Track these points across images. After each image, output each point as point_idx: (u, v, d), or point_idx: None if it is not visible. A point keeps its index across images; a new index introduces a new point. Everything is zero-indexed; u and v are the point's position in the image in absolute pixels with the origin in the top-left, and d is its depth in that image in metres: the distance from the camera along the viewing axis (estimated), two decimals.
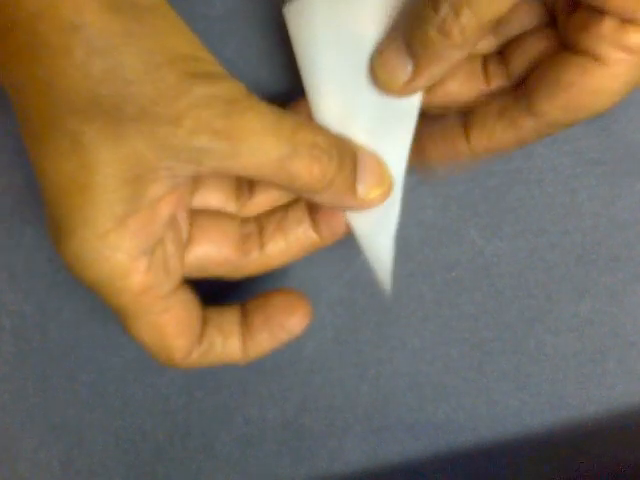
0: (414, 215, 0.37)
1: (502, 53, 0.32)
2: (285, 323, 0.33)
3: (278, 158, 0.27)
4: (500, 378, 0.38)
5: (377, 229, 0.33)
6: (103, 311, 0.38)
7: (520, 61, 0.31)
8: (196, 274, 0.32)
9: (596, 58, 0.28)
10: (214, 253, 0.32)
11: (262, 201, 0.33)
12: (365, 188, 0.30)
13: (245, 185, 0.33)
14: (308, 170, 0.28)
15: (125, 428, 0.38)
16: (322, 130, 0.30)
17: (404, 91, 0.30)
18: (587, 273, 0.38)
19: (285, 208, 0.33)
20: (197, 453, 0.38)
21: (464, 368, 0.38)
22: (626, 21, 0.27)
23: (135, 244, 0.27)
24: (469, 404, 0.38)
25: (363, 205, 0.31)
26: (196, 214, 0.32)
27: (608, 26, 0.27)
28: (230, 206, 0.33)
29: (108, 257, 0.27)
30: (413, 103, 0.32)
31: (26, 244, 0.37)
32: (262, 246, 0.32)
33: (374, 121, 0.32)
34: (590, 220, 0.38)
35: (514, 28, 0.32)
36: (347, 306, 0.38)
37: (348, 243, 0.37)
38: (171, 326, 0.30)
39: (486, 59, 0.33)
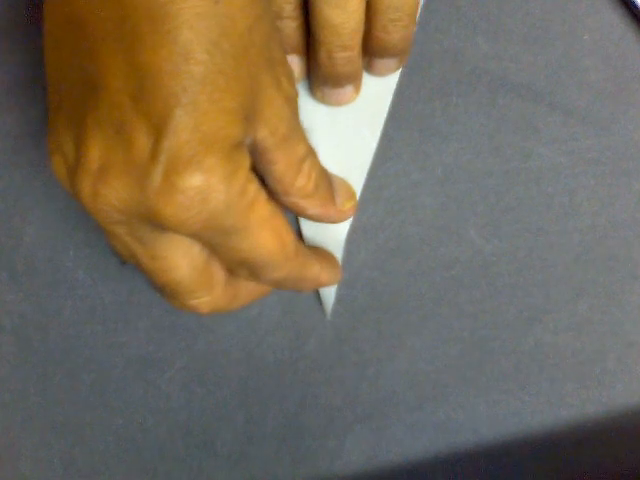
0: (413, 214, 0.38)
1: None
2: None
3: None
4: (500, 378, 0.38)
5: (327, 250, 0.37)
6: (103, 310, 0.38)
7: None
8: None
9: None
10: None
11: None
12: (340, 200, 0.34)
13: None
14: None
15: (126, 426, 0.38)
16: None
17: None
18: (586, 272, 0.38)
19: None
20: (198, 451, 0.38)
21: (464, 367, 0.38)
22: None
23: None
24: (469, 404, 0.38)
25: (342, 215, 0.34)
26: None
27: None
28: None
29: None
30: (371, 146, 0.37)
31: (26, 244, 0.38)
32: None
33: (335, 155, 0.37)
34: (589, 220, 0.38)
35: None
36: (347, 306, 0.38)
37: (347, 243, 0.37)
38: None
39: None
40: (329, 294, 0.37)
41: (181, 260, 0.29)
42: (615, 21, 0.38)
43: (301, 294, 0.38)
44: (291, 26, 0.33)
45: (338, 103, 0.36)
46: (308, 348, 0.38)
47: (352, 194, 0.35)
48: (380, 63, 0.35)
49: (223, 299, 0.31)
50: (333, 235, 0.37)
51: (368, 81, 0.37)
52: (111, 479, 0.38)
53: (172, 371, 0.38)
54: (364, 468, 0.38)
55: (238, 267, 0.30)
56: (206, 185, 0.26)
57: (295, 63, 0.35)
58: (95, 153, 0.26)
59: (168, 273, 0.29)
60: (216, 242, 0.28)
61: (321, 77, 0.35)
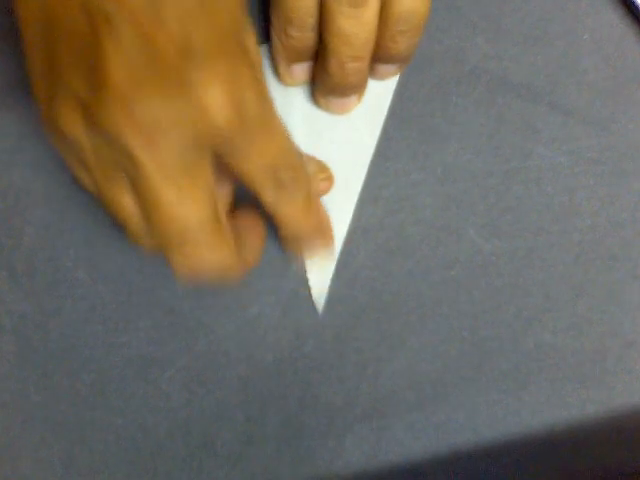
0: (413, 214, 0.38)
1: None
2: None
3: None
4: (500, 378, 0.38)
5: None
6: (103, 310, 0.38)
7: None
8: None
9: None
10: None
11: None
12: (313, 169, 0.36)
13: None
14: None
15: (126, 426, 0.38)
16: None
17: None
18: (586, 272, 0.38)
19: None
20: (198, 451, 0.38)
21: (464, 367, 0.38)
22: None
23: None
24: (469, 404, 0.38)
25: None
26: None
27: None
28: None
29: None
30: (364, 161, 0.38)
31: (26, 244, 0.38)
32: None
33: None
34: (589, 219, 0.38)
35: None
36: (347, 305, 0.38)
37: (347, 243, 0.37)
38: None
39: None
40: (322, 290, 0.37)
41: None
42: (615, 21, 0.38)
43: (301, 294, 0.38)
44: (306, 35, 0.33)
45: (340, 112, 0.37)
46: (308, 348, 0.38)
47: (323, 167, 0.36)
48: (383, 68, 0.35)
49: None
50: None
51: (368, 82, 0.37)
52: (111, 479, 0.38)
53: (172, 371, 0.38)
54: (364, 468, 0.38)
55: None
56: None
57: (304, 70, 0.35)
58: (120, 74, 0.26)
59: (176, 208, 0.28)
60: None
61: (328, 86, 0.35)
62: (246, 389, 0.38)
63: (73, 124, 0.27)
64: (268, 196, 0.30)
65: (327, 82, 0.35)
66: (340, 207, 0.37)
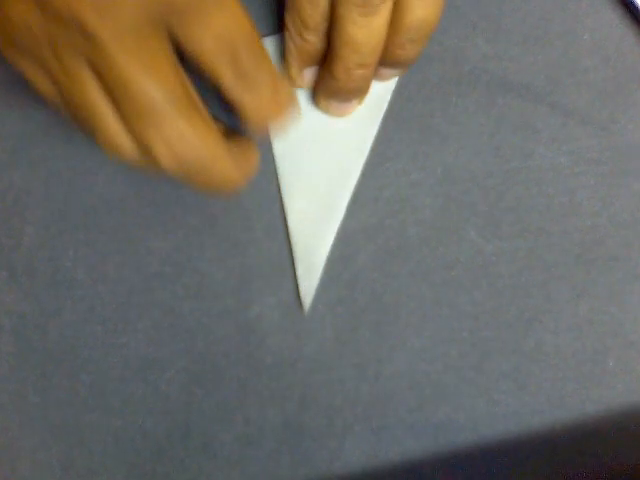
0: (413, 215, 0.38)
1: None
2: None
3: None
4: (500, 378, 0.38)
5: (313, 249, 0.37)
6: (103, 311, 0.38)
7: None
8: None
9: None
10: None
11: None
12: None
13: None
14: None
15: (125, 428, 0.38)
16: None
17: None
18: (586, 273, 0.38)
19: None
20: (197, 453, 0.38)
21: (464, 368, 0.38)
22: None
23: None
24: (469, 404, 0.38)
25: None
26: None
27: None
28: None
29: None
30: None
31: (26, 244, 0.37)
32: None
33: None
34: (589, 220, 0.38)
35: None
36: (347, 306, 0.38)
37: (347, 244, 0.37)
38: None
39: None
40: (309, 289, 0.37)
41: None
42: (615, 21, 0.38)
43: (300, 294, 0.38)
44: (321, 38, 0.33)
45: (340, 115, 0.37)
46: (308, 349, 0.38)
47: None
48: (387, 72, 0.35)
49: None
50: (321, 234, 0.37)
51: None
52: None
53: (171, 372, 0.38)
54: (364, 468, 0.38)
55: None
56: None
57: (314, 73, 0.35)
58: None
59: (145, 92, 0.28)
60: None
61: (331, 90, 0.35)
62: (245, 390, 0.38)
63: (26, 14, 0.27)
64: (228, 78, 0.29)
65: (331, 86, 0.35)
66: (332, 205, 0.37)
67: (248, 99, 0.30)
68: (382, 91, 0.37)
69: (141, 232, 0.38)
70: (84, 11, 0.26)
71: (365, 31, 0.31)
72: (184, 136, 0.29)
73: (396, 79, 0.37)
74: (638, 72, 0.38)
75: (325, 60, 0.34)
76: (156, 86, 0.28)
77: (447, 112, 0.38)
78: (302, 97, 0.37)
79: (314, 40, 0.33)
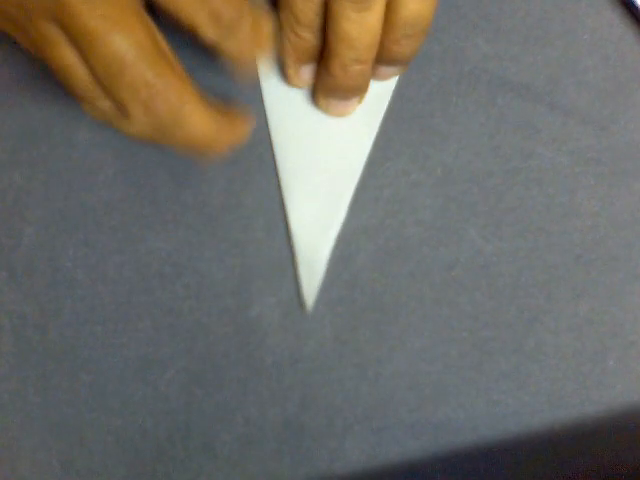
0: (413, 215, 0.38)
1: None
2: None
3: None
4: (500, 378, 0.38)
5: (314, 249, 0.37)
6: (103, 311, 0.38)
7: None
8: None
9: None
10: None
11: None
12: None
13: None
14: None
15: (125, 428, 0.38)
16: None
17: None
18: (586, 273, 0.38)
19: None
20: (197, 452, 0.38)
21: (464, 368, 0.38)
22: None
23: None
24: (469, 404, 0.38)
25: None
26: None
27: None
28: None
29: None
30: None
31: (26, 244, 0.37)
32: None
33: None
34: (589, 220, 0.38)
35: None
36: (347, 306, 0.38)
37: (347, 244, 0.37)
38: None
39: None
40: (311, 289, 0.37)
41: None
42: (615, 21, 0.38)
43: (301, 295, 0.38)
44: (315, 35, 0.33)
45: (340, 115, 0.37)
46: (308, 349, 0.38)
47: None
48: (385, 70, 0.35)
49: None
50: (323, 234, 0.37)
51: None
52: None
53: (171, 372, 0.38)
54: (364, 468, 0.38)
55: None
56: None
57: (311, 71, 0.35)
58: None
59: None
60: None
61: (330, 87, 0.35)
62: (246, 390, 0.38)
63: None
64: (207, 29, 0.30)
65: (329, 84, 0.35)
66: (334, 205, 0.37)
67: (228, 44, 0.30)
68: (382, 91, 0.37)
69: (141, 232, 0.38)
70: None
71: (359, 27, 0.31)
72: (154, 87, 0.29)
73: (396, 79, 0.37)
74: (638, 72, 0.38)
75: (322, 57, 0.34)
76: (123, 40, 0.28)
77: (447, 112, 0.38)
78: (302, 97, 0.37)
79: (308, 37, 0.33)
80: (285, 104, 0.37)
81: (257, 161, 0.37)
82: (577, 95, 0.38)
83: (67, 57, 0.29)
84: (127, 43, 0.28)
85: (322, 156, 0.37)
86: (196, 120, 0.30)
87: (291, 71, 0.36)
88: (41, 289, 0.37)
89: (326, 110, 0.37)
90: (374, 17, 0.31)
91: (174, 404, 0.38)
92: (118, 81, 0.28)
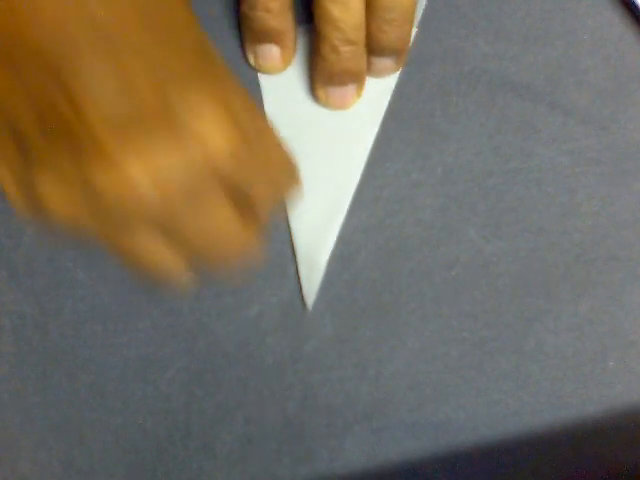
0: (413, 214, 0.38)
1: None
2: None
3: None
4: (500, 378, 0.38)
5: (315, 249, 0.37)
6: (103, 311, 0.38)
7: None
8: None
9: None
10: None
11: None
12: None
13: None
14: None
15: (125, 427, 0.38)
16: None
17: None
18: (586, 272, 0.38)
19: None
20: (197, 452, 0.38)
21: (464, 368, 0.38)
22: None
23: None
24: (469, 404, 0.38)
25: None
26: None
27: None
28: None
29: None
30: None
31: (26, 244, 0.37)
32: None
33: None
34: (589, 220, 0.38)
35: None
36: (347, 306, 0.38)
37: (348, 243, 0.37)
38: None
39: None
40: (312, 289, 0.37)
41: None
42: (615, 21, 0.38)
43: (301, 294, 0.38)
44: (266, 15, 0.35)
45: (340, 105, 0.37)
46: (308, 349, 0.38)
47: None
48: (378, 62, 0.36)
49: None
50: (324, 234, 0.37)
51: (367, 82, 0.37)
52: (110, 479, 0.38)
53: (172, 372, 0.38)
54: (364, 468, 0.38)
55: None
56: None
57: (274, 52, 0.36)
58: (105, 133, 0.24)
59: None
60: None
61: (326, 74, 0.35)
62: (246, 390, 0.38)
63: (64, 205, 0.25)
64: None
65: (324, 69, 0.35)
66: (335, 205, 0.37)
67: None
68: (382, 91, 0.37)
69: None
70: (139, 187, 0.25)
71: (342, 7, 0.33)
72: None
73: (396, 78, 0.37)
74: (638, 72, 0.38)
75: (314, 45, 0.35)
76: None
77: (447, 112, 0.38)
78: (302, 97, 0.37)
79: (262, 17, 0.35)
80: (284, 104, 0.37)
81: None
82: (577, 95, 0.38)
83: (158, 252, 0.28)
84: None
85: (322, 156, 0.37)
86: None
87: (247, 50, 0.37)
88: (41, 289, 0.37)
89: (325, 101, 0.37)
90: None
91: (174, 404, 0.38)
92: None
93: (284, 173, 0.30)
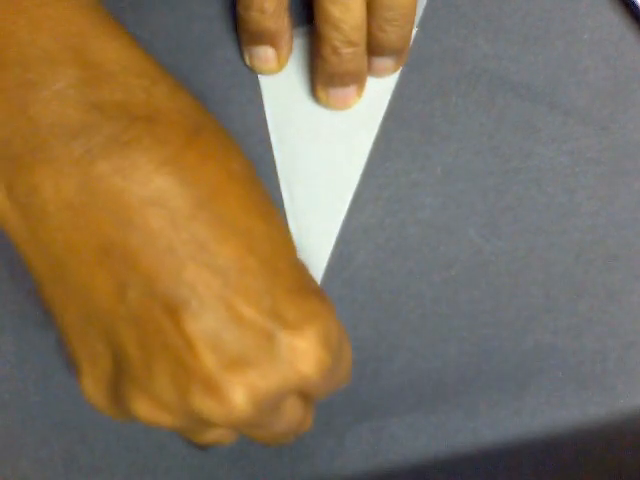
0: (413, 214, 0.38)
1: None
2: None
3: None
4: (500, 378, 0.38)
5: (314, 249, 0.38)
6: None
7: None
8: None
9: None
10: None
11: None
12: None
13: None
14: None
15: (126, 425, 0.38)
16: None
17: None
18: (586, 272, 0.38)
19: None
20: (198, 451, 0.38)
21: (464, 367, 0.38)
22: None
23: None
24: (469, 404, 0.38)
25: None
26: None
27: None
28: None
29: None
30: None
31: None
32: None
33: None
34: (589, 219, 0.38)
35: None
36: (347, 305, 0.38)
37: (347, 243, 0.37)
38: None
39: None
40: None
41: None
42: (615, 21, 0.38)
43: None
44: (259, 16, 0.35)
45: (341, 106, 0.37)
46: None
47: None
48: (378, 62, 0.36)
49: None
50: (323, 234, 0.37)
51: (368, 80, 0.37)
52: (112, 477, 0.38)
53: None
54: (364, 468, 0.38)
55: None
56: None
57: (269, 53, 0.36)
58: (211, 358, 0.25)
59: None
60: None
61: (327, 75, 0.35)
62: None
63: (157, 417, 0.27)
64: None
65: (325, 70, 0.35)
66: (334, 205, 0.37)
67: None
68: (382, 91, 0.37)
69: None
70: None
71: (342, 8, 0.33)
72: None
73: (396, 79, 0.37)
74: (638, 72, 0.38)
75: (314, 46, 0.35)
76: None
77: (447, 112, 0.38)
78: (302, 97, 0.37)
79: (257, 17, 0.35)
80: (284, 104, 0.37)
81: (257, 161, 0.37)
82: (577, 95, 0.38)
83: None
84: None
85: (322, 156, 0.37)
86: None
87: (243, 50, 0.37)
88: None
89: (326, 102, 0.37)
90: None
91: None
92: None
93: (348, 378, 0.32)
